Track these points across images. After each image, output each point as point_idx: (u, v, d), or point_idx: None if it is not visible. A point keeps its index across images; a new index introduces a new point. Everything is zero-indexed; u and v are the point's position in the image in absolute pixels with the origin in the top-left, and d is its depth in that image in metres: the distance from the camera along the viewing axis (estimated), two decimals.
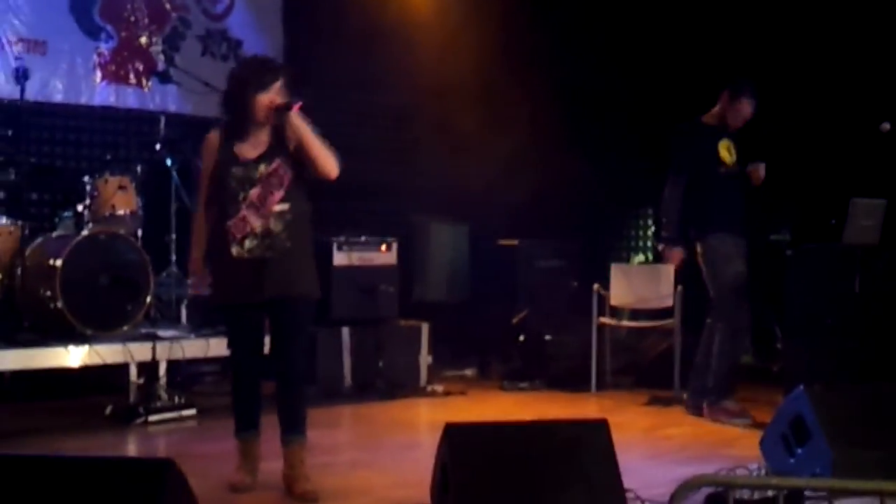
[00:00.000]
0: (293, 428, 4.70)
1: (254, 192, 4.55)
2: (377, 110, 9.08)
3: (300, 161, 4.61)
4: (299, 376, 4.78)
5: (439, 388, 7.44)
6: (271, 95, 4.56)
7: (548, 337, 7.88)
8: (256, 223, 4.55)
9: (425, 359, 7.57)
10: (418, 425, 6.69)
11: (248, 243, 4.56)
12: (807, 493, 4.11)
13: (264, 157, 4.60)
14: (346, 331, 7.25)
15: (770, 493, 3.84)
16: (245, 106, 4.57)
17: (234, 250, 4.56)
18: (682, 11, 8.49)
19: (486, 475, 3.79)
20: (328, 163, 4.58)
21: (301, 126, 4.55)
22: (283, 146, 4.63)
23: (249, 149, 4.62)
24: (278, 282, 4.58)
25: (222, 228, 4.58)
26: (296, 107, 4.54)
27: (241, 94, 4.58)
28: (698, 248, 6.57)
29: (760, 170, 6.52)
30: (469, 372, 8.21)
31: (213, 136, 4.71)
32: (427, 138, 8.94)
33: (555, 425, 4.16)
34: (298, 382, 4.77)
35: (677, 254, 6.66)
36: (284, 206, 4.58)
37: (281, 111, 4.55)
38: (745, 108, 6.60)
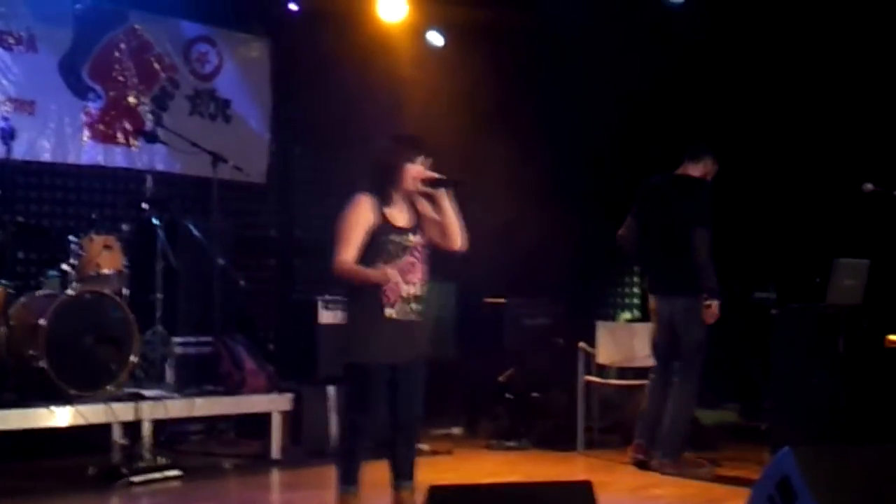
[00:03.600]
0: (411, 474, 5.10)
1: (407, 260, 4.90)
2: (364, 167, 9.10)
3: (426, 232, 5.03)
4: (419, 429, 5.33)
5: (426, 447, 7.36)
6: (419, 167, 4.92)
7: (535, 395, 7.86)
8: (405, 289, 4.89)
9: None
10: None
11: (399, 306, 4.89)
12: None
13: (414, 229, 4.97)
14: (331, 389, 7.20)
15: None
16: (396, 175, 4.91)
17: (388, 312, 4.87)
18: (667, 71, 8.58)
19: None
20: (461, 238, 5.02)
21: (448, 202, 4.94)
22: (420, 218, 5.01)
23: (399, 216, 4.95)
24: (417, 344, 5.00)
25: (376, 291, 4.85)
26: (457, 183, 4.95)
27: (394, 164, 4.93)
28: (682, 304, 6.61)
29: None
30: (456, 430, 8.16)
31: (368, 201, 4.91)
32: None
33: (539, 487, 4.13)
34: (417, 435, 5.32)
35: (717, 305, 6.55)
36: (425, 276, 5.01)
37: (437, 184, 4.91)
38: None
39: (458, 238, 5.00)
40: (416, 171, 4.92)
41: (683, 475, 6.46)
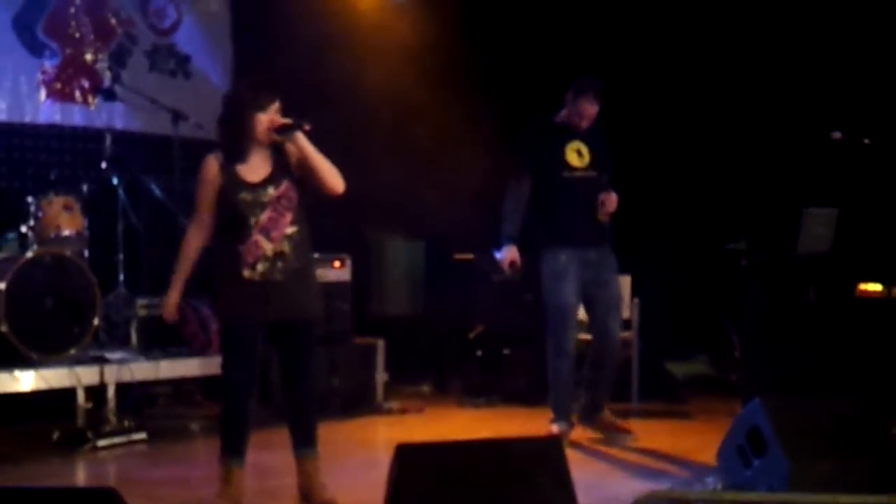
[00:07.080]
0: (309, 442, 4.82)
1: (264, 217, 4.57)
2: (329, 125, 8.96)
3: (302, 180, 4.65)
4: (313, 393, 4.91)
5: (396, 405, 7.34)
6: (271, 115, 4.57)
7: (505, 351, 7.82)
8: (268, 246, 4.57)
9: (381, 376, 7.45)
10: (374, 444, 6.59)
11: (259, 266, 4.58)
12: None
13: (271, 180, 4.61)
14: None
15: None
16: (245, 127, 4.57)
17: (246, 273, 4.58)
18: (634, 20, 8.48)
19: (438, 495, 3.71)
20: (335, 179, 4.63)
21: (307, 145, 4.58)
22: (286, 167, 4.65)
23: (253, 171, 4.61)
24: (289, 303, 4.65)
25: (233, 251, 4.58)
26: (306, 127, 4.57)
27: (240, 116, 4.58)
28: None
29: (611, 200, 6.10)
30: (426, 388, 8.13)
31: (213, 161, 4.63)
32: (381, 153, 8.87)
33: (507, 443, 4.08)
34: (313, 399, 4.90)
35: (509, 253, 6.20)
36: (293, 229, 4.63)
37: (286, 131, 4.56)
38: (586, 107, 6.16)
39: (332, 180, 4.61)
40: (266, 120, 4.55)
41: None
